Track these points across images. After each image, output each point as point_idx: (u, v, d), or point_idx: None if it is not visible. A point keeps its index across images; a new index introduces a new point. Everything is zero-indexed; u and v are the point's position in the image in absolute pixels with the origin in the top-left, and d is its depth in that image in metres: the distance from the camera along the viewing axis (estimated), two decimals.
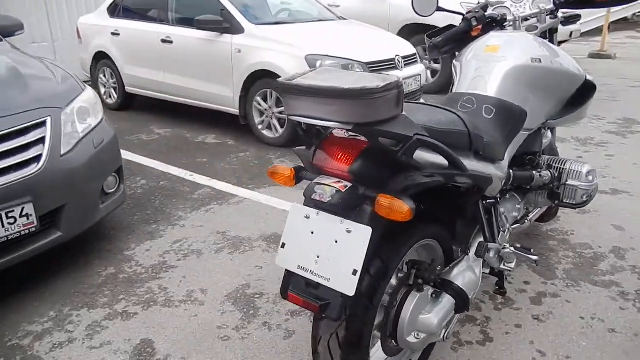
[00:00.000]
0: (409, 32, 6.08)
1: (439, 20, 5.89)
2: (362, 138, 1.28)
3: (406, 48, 4.58)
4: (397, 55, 4.32)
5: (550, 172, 2.10)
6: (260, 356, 1.92)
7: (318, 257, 1.27)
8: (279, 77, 4.03)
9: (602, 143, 4.35)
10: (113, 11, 5.30)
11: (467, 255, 1.73)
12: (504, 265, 1.76)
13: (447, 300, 1.59)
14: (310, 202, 1.29)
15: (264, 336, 2.03)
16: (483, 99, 1.75)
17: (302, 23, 4.64)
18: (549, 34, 2.23)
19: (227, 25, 4.26)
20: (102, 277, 2.46)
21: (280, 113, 4.17)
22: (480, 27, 2.12)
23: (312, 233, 1.30)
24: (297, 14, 4.95)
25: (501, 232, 1.83)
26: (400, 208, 1.18)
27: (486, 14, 2.12)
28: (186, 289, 2.35)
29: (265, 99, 4.25)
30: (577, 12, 2.33)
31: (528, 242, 2.69)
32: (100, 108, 2.64)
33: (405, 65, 4.38)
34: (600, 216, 2.96)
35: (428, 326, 1.53)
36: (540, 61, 1.85)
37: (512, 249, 1.77)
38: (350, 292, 1.20)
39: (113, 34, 5.19)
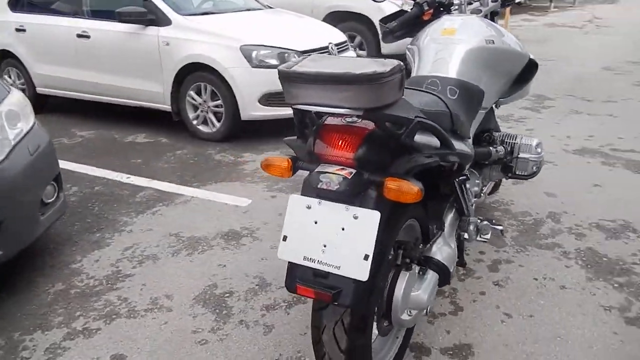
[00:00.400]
0: (333, 19, 6.13)
1: (364, 8, 6.06)
2: (360, 124, 1.29)
3: (338, 35, 4.62)
4: (330, 43, 4.35)
5: (503, 147, 2.23)
6: (243, 355, 1.88)
7: (325, 246, 1.26)
8: (214, 69, 3.98)
9: (521, 119, 4.69)
10: (15, 4, 4.82)
11: (443, 231, 1.80)
12: (480, 237, 1.85)
13: (432, 276, 1.65)
14: (314, 191, 1.27)
15: (243, 335, 1.98)
16: (446, 81, 1.82)
17: (231, 13, 4.51)
18: (491, 17, 2.36)
19: (152, 17, 4.04)
20: (50, 294, 2.26)
21: (216, 107, 4.05)
22: (431, 11, 2.19)
23: (316, 223, 1.29)
24: (222, 3, 4.81)
25: (471, 207, 1.92)
26: (410, 189, 1.20)
27: None
28: (149, 297, 2.23)
29: (199, 93, 4.10)
30: None
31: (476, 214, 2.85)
32: (30, 111, 2.40)
33: (338, 52, 4.42)
34: (533, 185, 3.20)
35: (419, 302, 1.58)
36: (493, 42, 1.95)
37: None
38: (364, 277, 1.21)
39: (18, 30, 4.72)
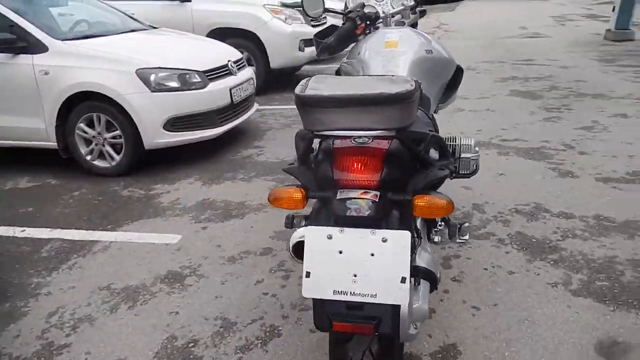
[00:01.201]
0: (216, 36, 5.96)
1: (249, 24, 5.98)
2: (372, 144, 1.24)
3: (234, 53, 4.49)
4: (229, 61, 4.21)
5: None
6: None
7: (355, 275, 1.20)
8: (108, 97, 3.59)
9: None
10: None
11: (422, 238, 1.83)
12: (459, 238, 1.91)
13: (424, 285, 1.66)
14: (337, 219, 1.19)
15: None
16: None
17: (119, 35, 4.14)
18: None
19: (22, 44, 3.53)
20: None
21: (114, 138, 3.68)
22: (363, 25, 2.23)
23: (341, 252, 1.21)
24: (99, 25, 4.39)
25: None
26: (441, 204, 1.18)
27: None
28: None
29: (90, 125, 3.69)
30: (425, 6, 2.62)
31: None
32: None
33: (238, 70, 4.30)
34: (449, 182, 3.42)
35: (422, 313, 1.57)
36: (431, 52, 2.04)
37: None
38: (404, 301, 1.17)
39: None
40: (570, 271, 2.36)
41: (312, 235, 1.23)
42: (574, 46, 9.05)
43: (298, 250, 1.41)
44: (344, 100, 1.09)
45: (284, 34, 6.01)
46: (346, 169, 1.22)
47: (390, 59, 1.97)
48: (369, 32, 2.24)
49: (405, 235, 1.19)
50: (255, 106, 4.71)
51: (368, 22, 2.28)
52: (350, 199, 1.18)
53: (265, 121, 5.22)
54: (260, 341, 2.01)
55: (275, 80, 6.62)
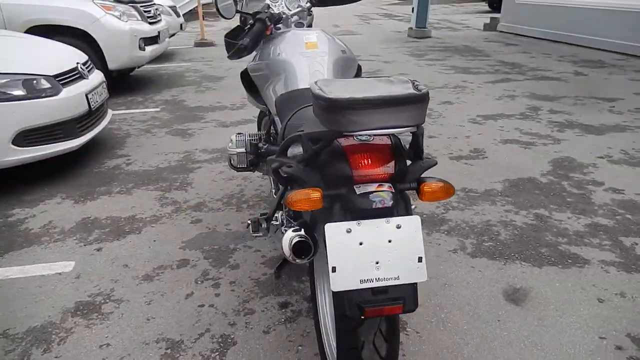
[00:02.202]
0: (35, 34, 5.22)
1: (79, 22, 5.35)
2: (376, 140, 1.33)
3: (79, 54, 4.02)
4: (78, 63, 3.76)
5: None
6: None
7: (377, 262, 1.28)
8: None
9: None
10: None
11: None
12: None
13: None
14: (364, 213, 1.26)
15: None
16: None
17: None
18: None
19: None
20: None
21: None
22: (272, 26, 2.27)
23: (361, 244, 1.28)
24: None
25: None
26: (446, 189, 1.33)
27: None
28: None
29: None
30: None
31: None
32: None
33: (88, 72, 3.87)
34: None
35: None
36: (345, 52, 2.19)
37: None
38: (423, 278, 1.29)
39: None
40: (462, 238, 2.77)
41: (333, 232, 1.27)
42: (386, 43, 10.21)
43: (298, 250, 1.43)
44: (377, 101, 1.16)
45: (122, 32, 5.56)
46: (361, 166, 1.29)
47: (314, 59, 2.06)
48: (271, 33, 2.29)
49: (415, 220, 1.31)
50: (110, 112, 4.30)
51: (270, 23, 2.33)
52: (372, 192, 1.26)
53: (118, 127, 4.80)
54: (217, 353, 1.94)
55: (115, 84, 6.09)
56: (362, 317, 1.28)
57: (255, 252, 2.64)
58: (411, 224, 1.31)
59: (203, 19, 10.03)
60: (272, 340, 2.00)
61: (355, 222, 1.28)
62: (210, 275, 2.44)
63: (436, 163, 1.46)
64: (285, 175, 1.49)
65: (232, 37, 2.25)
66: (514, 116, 5.09)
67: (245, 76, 2.45)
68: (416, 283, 1.32)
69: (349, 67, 2.19)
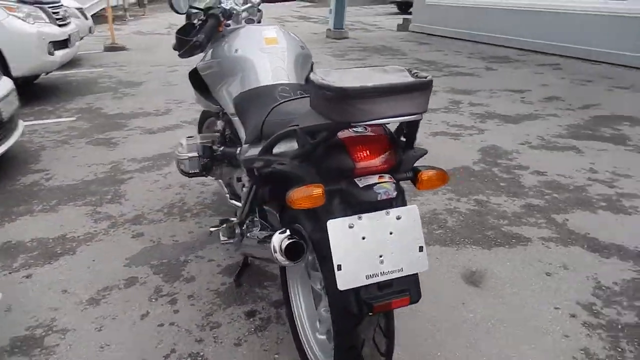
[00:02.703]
0: None
1: None
2: (371, 131, 1.28)
3: None
4: None
5: None
6: None
7: (381, 256, 1.24)
8: None
9: None
10: None
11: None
12: None
13: None
14: (370, 205, 1.21)
15: None
16: (294, 87, 1.90)
17: None
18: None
19: None
20: None
21: None
22: (224, 22, 2.15)
23: (364, 239, 1.23)
24: None
25: None
26: (441, 176, 1.31)
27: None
28: None
29: None
30: None
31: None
32: None
33: None
34: None
35: None
36: (304, 48, 2.13)
37: None
38: (425, 267, 1.28)
39: None
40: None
41: (335, 229, 1.22)
42: (308, 44, 10.25)
43: (290, 251, 1.36)
44: (387, 89, 1.11)
45: (28, 36, 5.07)
46: (361, 158, 1.24)
47: (274, 55, 1.98)
48: (222, 30, 2.18)
49: (414, 209, 1.29)
50: (22, 123, 3.89)
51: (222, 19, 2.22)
52: (376, 184, 1.21)
53: (30, 140, 4.35)
54: None
55: (18, 92, 5.52)
56: (370, 314, 1.23)
57: (209, 262, 2.50)
58: (410, 213, 1.29)
59: (113, 22, 9.44)
60: (245, 352, 1.89)
61: (356, 216, 1.24)
62: (165, 291, 2.27)
63: (427, 152, 1.45)
64: (263, 175, 1.40)
65: (183, 34, 2.11)
66: (439, 110, 5.31)
67: (194, 75, 2.31)
68: (417, 273, 1.30)
69: (306, 62, 2.14)
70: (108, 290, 2.28)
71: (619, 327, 2.02)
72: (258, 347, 1.92)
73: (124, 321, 2.07)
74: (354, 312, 1.23)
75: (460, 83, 6.57)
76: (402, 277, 1.27)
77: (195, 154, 2.29)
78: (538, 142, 4.29)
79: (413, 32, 12.31)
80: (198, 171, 2.34)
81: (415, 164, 1.37)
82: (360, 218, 1.24)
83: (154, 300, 2.21)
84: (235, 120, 2.00)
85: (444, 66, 7.74)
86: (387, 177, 1.25)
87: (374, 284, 1.25)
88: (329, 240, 1.21)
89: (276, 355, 1.87)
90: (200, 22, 2.12)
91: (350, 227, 1.23)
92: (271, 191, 1.65)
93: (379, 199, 1.21)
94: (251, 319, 2.07)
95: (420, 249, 1.30)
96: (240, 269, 2.35)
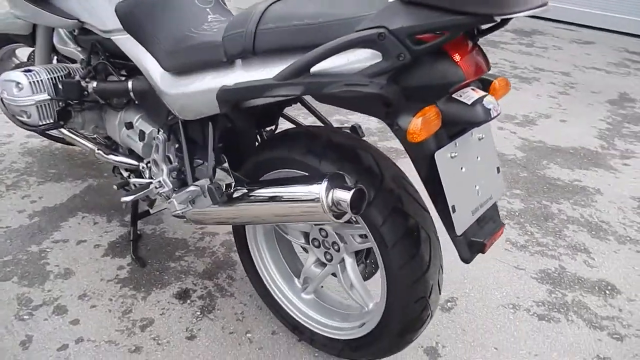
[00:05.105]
0: None
1: None
2: (462, 39, 0.97)
3: None
4: None
5: None
6: None
7: (476, 187, 1.04)
8: None
9: None
10: None
11: None
12: None
13: None
14: (478, 125, 0.95)
15: None
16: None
17: None
18: None
19: None
20: None
21: None
22: None
23: (462, 169, 1.00)
24: None
25: None
26: (507, 81, 1.11)
27: None
28: None
29: None
30: None
31: None
32: None
33: None
34: None
35: None
36: None
37: None
38: (504, 190, 1.13)
39: None
40: None
41: (444, 161, 0.96)
42: None
43: (356, 201, 1.02)
44: None
45: None
46: (466, 67, 0.93)
47: None
48: None
49: (487, 126, 1.09)
50: None
51: None
52: (482, 99, 0.94)
53: None
54: None
55: None
56: (482, 254, 1.03)
57: (79, 245, 1.84)
58: (487, 132, 1.10)
59: None
60: (208, 343, 1.47)
61: (452, 144, 1.00)
62: (36, 300, 1.58)
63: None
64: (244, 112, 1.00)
65: None
66: None
67: None
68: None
69: None
70: None
71: (516, 214, 2.24)
72: (219, 331, 1.51)
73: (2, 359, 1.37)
74: (466, 256, 1.01)
75: None
76: (491, 206, 1.10)
77: (46, 96, 1.54)
78: None
79: None
80: (52, 122, 1.61)
81: None
82: (456, 145, 1.00)
83: (27, 318, 1.51)
84: (122, 39, 1.40)
85: None
86: (480, 90, 1.01)
87: (477, 219, 1.05)
88: (438, 177, 0.94)
89: (249, 335, 1.51)
90: None
91: (452, 156, 0.98)
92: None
93: (492, 115, 0.96)
94: (188, 301, 1.62)
95: (498, 170, 1.14)
96: (134, 244, 1.80)
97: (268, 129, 1.55)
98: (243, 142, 1.45)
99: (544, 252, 1.98)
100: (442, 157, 0.96)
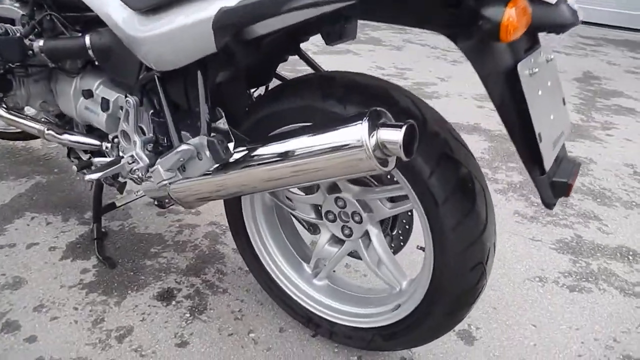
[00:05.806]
0: None
1: None
2: None
3: None
4: None
5: None
6: None
7: (552, 117, 0.85)
8: None
9: None
10: None
11: None
12: None
13: None
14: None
15: None
16: None
17: None
18: None
19: None
20: None
21: None
22: None
23: (539, 92, 0.80)
24: None
25: None
26: None
27: None
28: None
29: None
30: None
31: None
32: None
33: None
34: None
35: None
36: None
37: None
38: (570, 126, 0.94)
39: None
40: None
41: (526, 81, 0.76)
42: None
43: (407, 144, 0.80)
44: None
45: None
46: None
47: None
48: None
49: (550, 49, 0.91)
50: None
51: None
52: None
53: None
54: None
55: None
56: (565, 197, 0.84)
57: (31, 248, 1.52)
58: (553, 55, 0.92)
59: None
60: (203, 349, 1.21)
61: (527, 58, 0.81)
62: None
63: None
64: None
65: None
66: None
67: None
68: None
69: None
70: None
71: (517, 186, 2.11)
72: (216, 333, 1.25)
73: None
74: (550, 200, 0.82)
75: None
76: (564, 144, 0.91)
77: None
78: None
79: None
80: None
81: None
82: (532, 61, 0.80)
83: None
84: None
85: None
86: None
87: (556, 157, 0.86)
88: (523, 97, 0.74)
89: (252, 335, 1.26)
90: None
91: (530, 74, 0.78)
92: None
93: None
94: (174, 302, 1.35)
95: (564, 101, 0.95)
96: (99, 242, 1.51)
97: (259, 89, 1.31)
98: (235, 102, 1.20)
99: (555, 222, 1.84)
100: (524, 72, 0.76)
